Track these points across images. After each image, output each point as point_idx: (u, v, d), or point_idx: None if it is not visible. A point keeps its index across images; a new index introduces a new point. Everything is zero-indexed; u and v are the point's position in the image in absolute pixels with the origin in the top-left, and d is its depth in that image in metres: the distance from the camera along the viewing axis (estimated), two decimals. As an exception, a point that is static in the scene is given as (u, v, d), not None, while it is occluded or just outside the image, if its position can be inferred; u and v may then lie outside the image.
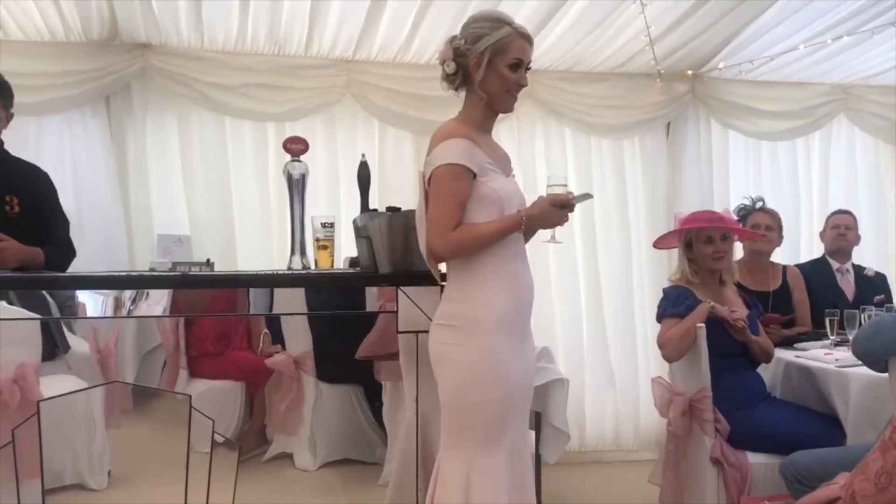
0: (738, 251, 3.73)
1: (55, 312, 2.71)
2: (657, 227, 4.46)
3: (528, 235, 2.41)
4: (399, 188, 4.24)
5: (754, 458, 2.97)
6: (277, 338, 3.70)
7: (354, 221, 3.07)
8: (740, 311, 3.17)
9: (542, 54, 4.22)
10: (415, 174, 4.04)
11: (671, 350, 3.09)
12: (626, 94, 4.62)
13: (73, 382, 2.75)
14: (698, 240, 3.24)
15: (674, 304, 3.15)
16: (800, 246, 4.88)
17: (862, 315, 3.29)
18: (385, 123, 4.41)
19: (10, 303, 2.55)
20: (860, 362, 2.69)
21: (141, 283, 2.72)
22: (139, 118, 4.11)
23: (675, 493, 3.18)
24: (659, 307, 3.24)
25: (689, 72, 4.65)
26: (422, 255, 2.33)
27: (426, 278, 2.48)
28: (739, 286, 3.41)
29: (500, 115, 2.39)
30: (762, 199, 3.93)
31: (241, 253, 4.18)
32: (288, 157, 3.20)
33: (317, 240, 3.17)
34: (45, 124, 3.96)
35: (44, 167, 3.91)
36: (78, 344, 2.85)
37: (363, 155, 3.35)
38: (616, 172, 4.75)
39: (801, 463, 2.55)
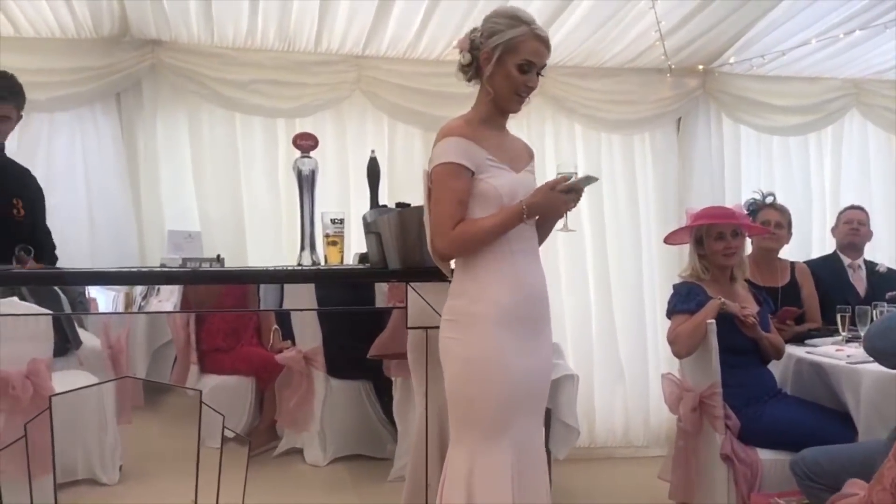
0: (747, 247, 3.71)
1: (67, 308, 2.73)
2: (668, 223, 4.44)
3: (544, 232, 2.40)
4: (409, 184, 4.22)
5: (765, 455, 2.96)
6: (287, 333, 3.71)
7: (364, 217, 3.07)
8: (751, 307, 3.16)
9: (553, 49, 4.14)
10: (423, 169, 4.04)
11: (681, 346, 3.08)
12: (636, 90, 4.60)
13: (85, 378, 2.77)
14: (709, 236, 3.22)
15: (684, 301, 3.14)
16: (811, 241, 4.85)
17: (874, 311, 3.26)
18: (395, 119, 4.41)
19: (23, 298, 2.56)
20: (871, 359, 2.67)
21: (152, 278, 2.73)
22: (149, 115, 4.12)
23: (685, 490, 3.18)
24: (669, 303, 3.23)
25: (700, 67, 4.62)
26: (429, 250, 2.33)
27: (435, 274, 2.48)
28: (749, 282, 3.40)
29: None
30: (773, 194, 3.90)
31: (251, 249, 4.19)
32: (298, 153, 3.21)
33: (326, 236, 3.18)
34: (56, 121, 3.97)
35: (55, 164, 3.95)
36: (89, 339, 2.87)
37: (373, 151, 3.36)
38: (626, 168, 4.73)
39: (812, 459, 2.54)
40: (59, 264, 3.36)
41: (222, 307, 3.12)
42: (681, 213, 4.28)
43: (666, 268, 4.61)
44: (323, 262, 3.18)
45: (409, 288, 2.71)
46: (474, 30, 2.29)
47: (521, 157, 2.39)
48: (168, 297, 2.79)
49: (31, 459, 2.50)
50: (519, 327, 2.23)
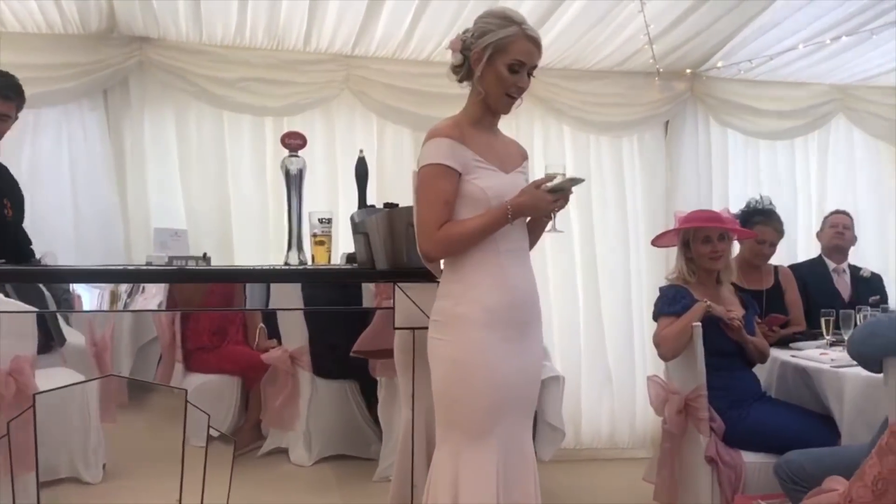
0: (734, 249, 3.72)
1: (51, 305, 2.71)
2: (655, 226, 4.45)
3: (535, 234, 2.40)
4: (397, 184, 4.22)
5: (749, 458, 2.98)
6: (273, 332, 3.71)
7: (352, 217, 3.07)
8: (737, 310, 3.18)
9: (542, 51, 4.21)
10: (412, 170, 4.04)
11: (667, 349, 3.09)
12: (625, 92, 4.62)
13: (69, 375, 2.76)
14: (696, 239, 3.24)
15: (670, 303, 3.15)
16: (797, 245, 4.87)
17: (858, 315, 3.29)
18: (384, 119, 4.40)
19: (7, 295, 2.54)
20: (855, 363, 2.70)
21: (137, 276, 2.71)
22: (137, 112, 4.10)
23: (670, 492, 3.19)
24: (655, 306, 3.24)
25: (688, 70, 4.64)
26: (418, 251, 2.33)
27: (423, 275, 2.48)
28: (734, 286, 3.41)
29: None
30: (770, 200, 3.88)
31: (238, 248, 4.17)
32: (286, 151, 3.20)
33: (314, 235, 3.17)
34: (42, 117, 3.93)
35: (41, 160, 3.92)
36: (74, 336, 2.86)
37: (361, 150, 3.35)
38: (615, 170, 4.74)
39: (796, 462, 2.55)
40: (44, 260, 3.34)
41: (208, 306, 3.11)
42: (668, 216, 4.30)
43: (653, 270, 4.63)
44: (310, 262, 3.18)
45: (396, 288, 2.71)
46: (466, 30, 2.29)
47: (513, 158, 2.38)
48: (154, 295, 2.77)
49: (13, 458, 2.49)
50: (505, 329, 2.22)
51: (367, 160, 3.33)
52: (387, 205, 2.97)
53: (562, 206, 2.24)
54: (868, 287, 4.06)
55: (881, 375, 2.57)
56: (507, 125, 4.42)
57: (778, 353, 3.37)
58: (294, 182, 3.19)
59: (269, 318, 3.27)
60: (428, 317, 2.34)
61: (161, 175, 4.15)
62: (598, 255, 4.67)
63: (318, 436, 3.46)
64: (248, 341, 3.83)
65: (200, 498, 2.64)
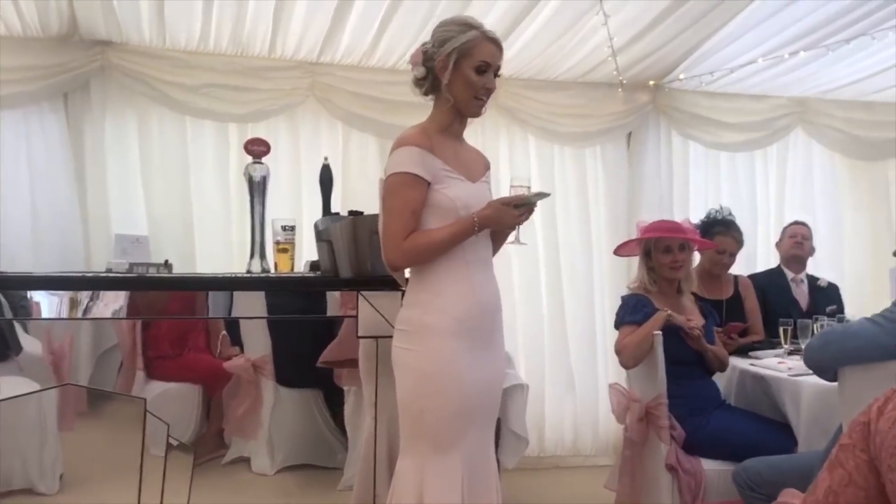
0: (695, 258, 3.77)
1: (8, 313, 2.66)
2: (618, 235, 4.50)
3: (497, 243, 2.41)
4: (362, 192, 4.22)
5: (708, 465, 3.01)
6: (236, 340, 3.66)
7: (316, 225, 3.06)
8: (697, 320, 3.22)
9: (508, 62, 4.18)
10: (378, 178, 4.03)
11: (628, 357, 3.12)
12: (588, 103, 4.67)
13: (25, 384, 2.70)
14: (657, 249, 3.27)
15: (632, 312, 3.18)
16: (756, 255, 4.95)
17: (814, 325, 3.35)
18: (349, 126, 4.40)
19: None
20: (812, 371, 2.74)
21: (97, 284, 2.68)
22: (98, 116, 4.04)
23: (631, 499, 3.21)
24: (617, 314, 3.27)
25: (651, 82, 4.71)
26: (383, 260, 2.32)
27: (387, 283, 2.48)
28: (694, 295, 3.46)
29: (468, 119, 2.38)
30: (730, 211, 3.93)
31: (200, 254, 4.13)
32: (250, 158, 3.18)
33: (277, 243, 3.16)
34: (0, 120, 3.87)
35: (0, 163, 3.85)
36: (31, 344, 2.80)
37: (326, 158, 3.35)
38: (578, 180, 4.79)
39: (753, 469, 2.59)
40: (1, 266, 3.28)
41: (170, 312, 3.08)
42: (630, 226, 4.35)
43: (616, 279, 4.68)
44: (273, 270, 3.16)
45: (360, 297, 2.70)
46: (425, 43, 2.30)
47: (478, 167, 2.40)
48: (114, 302, 2.74)
49: (-34, 468, 2.43)
50: (472, 338, 2.23)
51: (332, 167, 3.33)
52: (351, 212, 2.97)
53: (526, 219, 2.26)
54: (825, 297, 4.14)
55: (836, 384, 2.62)
56: (473, 134, 4.47)
57: (737, 362, 3.42)
58: (257, 189, 3.17)
59: (232, 325, 3.24)
60: (392, 326, 2.33)
61: (122, 181, 4.10)
62: (561, 264, 4.71)
63: (280, 445, 3.43)
64: (210, 349, 3.78)
65: (159, 508, 2.61)
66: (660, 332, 3.03)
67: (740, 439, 3.00)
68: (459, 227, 2.19)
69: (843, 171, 5.29)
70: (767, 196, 5.18)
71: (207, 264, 4.05)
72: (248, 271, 3.14)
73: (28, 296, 2.67)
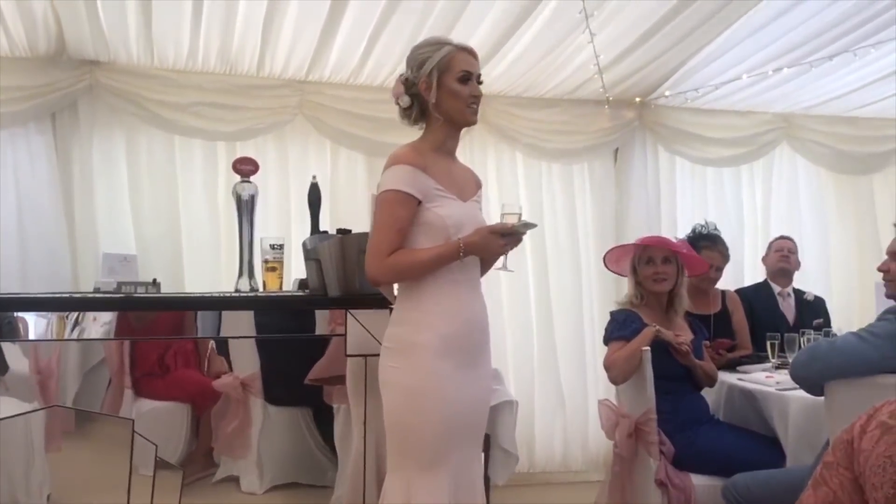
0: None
1: (-6, 334, 2.64)
2: (605, 251, 4.49)
3: (485, 266, 2.42)
4: (350, 210, 4.22)
5: (698, 480, 3.01)
6: (225, 358, 3.65)
7: (304, 243, 3.06)
8: (685, 335, 3.22)
9: (495, 80, 4.28)
10: (367, 196, 4.03)
11: (617, 373, 3.12)
12: (575, 120, 4.70)
13: (12, 405, 2.68)
14: (641, 262, 3.29)
15: (620, 328, 3.19)
16: (743, 270, 4.98)
17: (801, 339, 3.37)
18: (338, 144, 4.41)
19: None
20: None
21: (84, 304, 2.67)
22: (86, 135, 4.03)
23: (621, 515, 3.21)
24: (606, 330, 3.28)
25: (637, 99, 4.75)
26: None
27: (376, 301, 2.48)
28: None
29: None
30: (715, 226, 3.95)
31: (189, 273, 4.12)
32: (238, 177, 3.19)
33: (265, 261, 3.16)
34: (-13, 140, 3.87)
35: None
36: (17, 364, 2.78)
37: (314, 176, 3.35)
38: (566, 197, 4.81)
39: (742, 485, 2.60)
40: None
41: (158, 330, 3.06)
42: (618, 241, 4.36)
43: (605, 295, 4.69)
44: (261, 288, 3.15)
45: (348, 315, 2.71)
46: (401, 74, 2.33)
47: (469, 186, 2.41)
48: (102, 321, 2.73)
49: (-48, 491, 2.41)
50: (459, 357, 2.23)
51: (321, 186, 3.33)
52: (339, 231, 2.98)
53: (513, 248, 2.27)
54: (812, 310, 4.16)
55: (823, 398, 2.63)
56: (462, 151, 4.47)
57: (725, 377, 3.42)
58: (246, 208, 3.18)
59: (221, 343, 3.23)
60: (380, 343, 2.33)
61: (110, 200, 4.09)
62: (551, 281, 4.72)
63: (270, 463, 3.41)
64: (198, 367, 3.77)
65: (148, 529, 2.59)
66: (648, 348, 3.04)
67: (729, 454, 3.00)
68: (445, 250, 2.20)
69: (829, 186, 5.35)
70: (754, 210, 5.22)
71: (196, 283, 4.04)
72: (237, 290, 3.14)
73: (14, 316, 2.66)
